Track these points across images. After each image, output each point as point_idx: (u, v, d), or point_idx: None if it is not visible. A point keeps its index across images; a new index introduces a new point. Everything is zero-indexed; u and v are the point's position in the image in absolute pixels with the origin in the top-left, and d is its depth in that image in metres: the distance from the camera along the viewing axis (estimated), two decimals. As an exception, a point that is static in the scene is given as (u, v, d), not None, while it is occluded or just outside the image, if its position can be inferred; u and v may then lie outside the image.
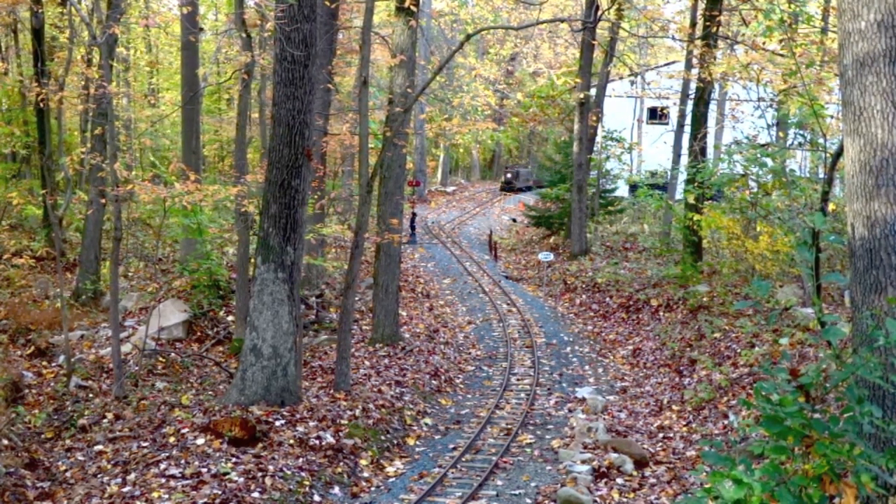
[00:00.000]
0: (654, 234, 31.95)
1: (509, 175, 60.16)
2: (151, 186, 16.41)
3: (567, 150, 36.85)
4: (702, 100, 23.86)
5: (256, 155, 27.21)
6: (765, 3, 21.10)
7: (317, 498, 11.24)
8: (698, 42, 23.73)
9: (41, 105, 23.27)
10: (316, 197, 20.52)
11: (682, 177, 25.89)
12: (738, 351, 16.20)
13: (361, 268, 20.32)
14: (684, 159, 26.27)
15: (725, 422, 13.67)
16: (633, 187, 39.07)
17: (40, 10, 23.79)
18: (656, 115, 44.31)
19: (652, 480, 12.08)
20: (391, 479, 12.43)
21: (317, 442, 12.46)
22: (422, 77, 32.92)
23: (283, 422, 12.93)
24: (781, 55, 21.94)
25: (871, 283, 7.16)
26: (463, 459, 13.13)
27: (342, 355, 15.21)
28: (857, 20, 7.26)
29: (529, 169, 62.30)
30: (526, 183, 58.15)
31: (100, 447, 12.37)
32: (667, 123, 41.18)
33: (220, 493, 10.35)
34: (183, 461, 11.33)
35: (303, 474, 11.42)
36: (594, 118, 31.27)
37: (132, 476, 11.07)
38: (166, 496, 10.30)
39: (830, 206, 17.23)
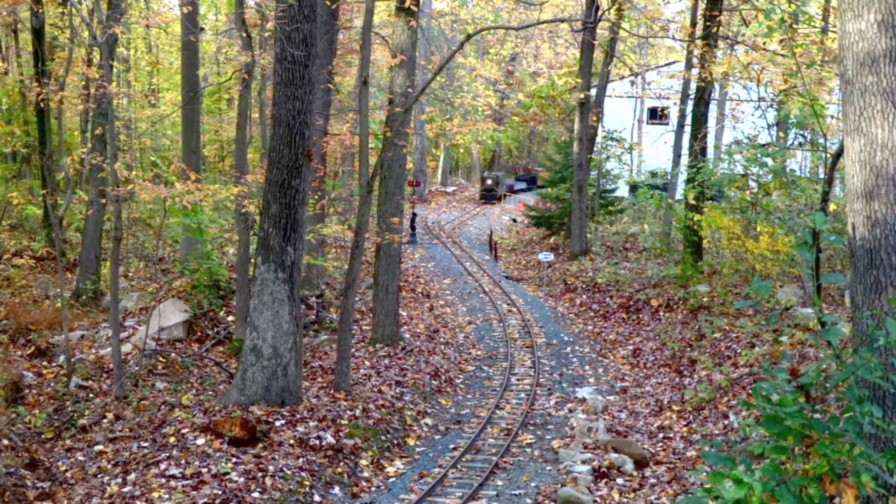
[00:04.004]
0: (655, 234, 31.94)
1: (489, 182, 54.63)
2: (152, 186, 16.41)
3: (567, 150, 36.86)
4: (702, 100, 23.85)
5: (256, 155, 27.21)
6: (765, 3, 21.10)
7: (317, 498, 11.24)
8: (698, 42, 23.73)
9: (41, 105, 23.26)
10: (316, 197, 20.52)
11: (683, 177, 25.90)
12: (739, 351, 16.20)
13: (361, 268, 20.32)
14: (684, 159, 26.27)
15: (725, 422, 13.67)
16: (634, 187, 39.08)
17: (40, 10, 23.78)
18: (656, 115, 44.32)
19: (652, 480, 12.08)
20: (391, 479, 12.43)
21: (317, 442, 12.46)
22: (422, 77, 32.94)
23: (283, 422, 12.93)
24: (782, 55, 21.94)
25: (872, 283, 7.15)
26: (463, 459, 13.12)
27: (342, 355, 15.21)
28: (857, 20, 7.25)
29: (504, 173, 60.73)
30: (505, 189, 55.23)
31: (100, 447, 12.37)
32: (667, 123, 41.19)
33: (220, 493, 10.35)
34: (183, 461, 11.33)
35: (303, 474, 11.42)
36: (594, 118, 31.27)
37: (132, 476, 11.08)
38: (166, 496, 10.31)
39: (831, 206, 17.24)
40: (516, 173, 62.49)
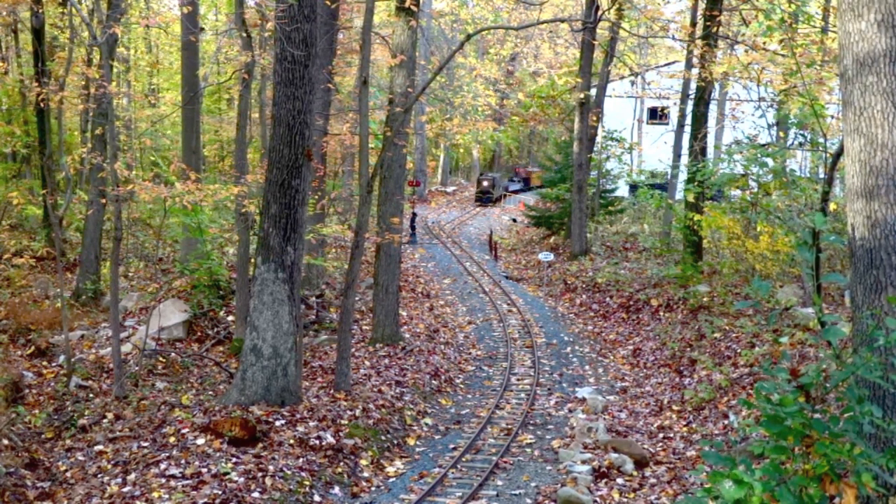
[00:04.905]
0: (654, 234, 31.95)
1: (485, 183, 52.44)
2: (152, 186, 16.41)
3: (567, 150, 36.86)
4: (702, 100, 23.85)
5: (256, 155, 27.21)
6: (765, 3, 21.10)
7: (317, 498, 11.24)
8: (698, 42, 23.73)
9: (41, 105, 23.26)
10: (316, 197, 20.52)
11: (683, 177, 25.89)
12: (739, 351, 16.20)
13: (361, 268, 20.32)
14: (684, 159, 26.26)
15: (725, 422, 13.67)
16: (633, 187, 39.09)
17: (40, 10, 23.78)
18: (656, 115, 44.32)
19: (652, 480, 12.08)
20: (391, 479, 12.43)
21: (317, 442, 12.46)
22: (422, 77, 32.94)
23: (283, 422, 12.93)
24: (782, 55, 21.94)
25: (872, 282, 7.16)
26: (463, 459, 13.12)
27: (342, 355, 15.21)
28: (857, 20, 7.25)
29: (503, 173, 59.79)
30: (501, 191, 53.90)
31: (100, 447, 12.37)
32: (667, 123, 41.20)
33: (220, 493, 10.35)
34: (183, 461, 11.33)
35: (303, 474, 11.42)
36: (594, 118, 31.27)
37: (132, 476, 11.08)
38: (166, 496, 10.30)
39: (831, 206, 17.23)
40: (515, 173, 62.29)
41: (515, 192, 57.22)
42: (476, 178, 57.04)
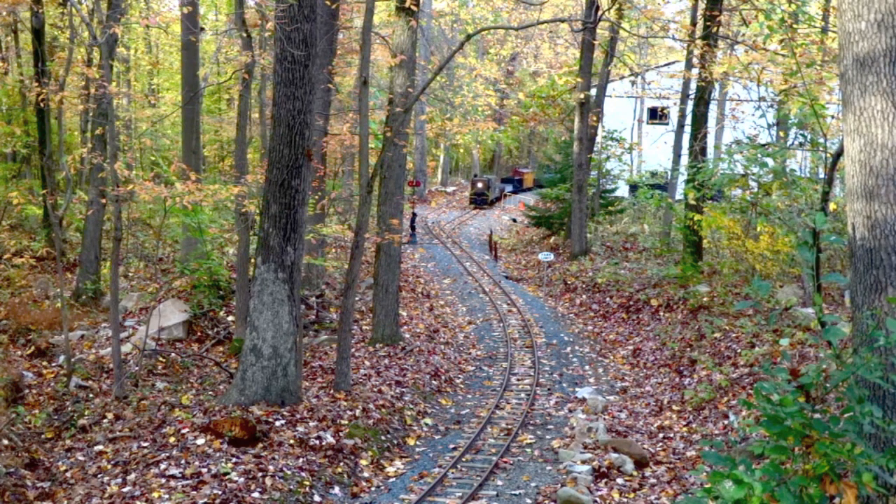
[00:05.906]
0: (655, 234, 31.95)
1: (480, 185, 51.28)
2: (152, 186, 16.39)
3: (567, 150, 36.88)
4: (702, 100, 23.85)
5: (256, 155, 27.22)
6: (765, 3, 21.11)
7: (317, 498, 11.24)
8: (698, 42, 23.73)
9: (41, 105, 23.24)
10: (316, 197, 20.51)
11: (683, 177, 25.89)
12: (739, 351, 16.20)
13: (361, 268, 20.31)
14: (684, 159, 26.27)
15: (725, 422, 13.67)
16: (634, 187, 39.09)
17: (41, 10, 23.78)
18: (656, 115, 44.33)
19: (652, 480, 12.08)
20: (391, 479, 12.43)
21: (317, 442, 12.46)
22: (422, 77, 32.93)
23: (283, 422, 12.93)
24: (782, 55, 21.94)
25: (872, 283, 7.16)
26: (463, 459, 13.12)
27: (342, 355, 15.21)
28: (857, 20, 7.25)
29: (497, 175, 59.19)
30: (496, 193, 53.04)
31: (100, 447, 12.38)
32: (667, 123, 41.19)
33: (220, 493, 10.35)
34: (183, 461, 11.33)
35: (303, 474, 11.42)
36: (594, 118, 31.27)
37: (132, 476, 11.08)
38: (166, 496, 10.31)
39: (831, 206, 17.23)
40: (514, 174, 62.13)
41: (510, 193, 57.03)
42: (471, 180, 56.24)
